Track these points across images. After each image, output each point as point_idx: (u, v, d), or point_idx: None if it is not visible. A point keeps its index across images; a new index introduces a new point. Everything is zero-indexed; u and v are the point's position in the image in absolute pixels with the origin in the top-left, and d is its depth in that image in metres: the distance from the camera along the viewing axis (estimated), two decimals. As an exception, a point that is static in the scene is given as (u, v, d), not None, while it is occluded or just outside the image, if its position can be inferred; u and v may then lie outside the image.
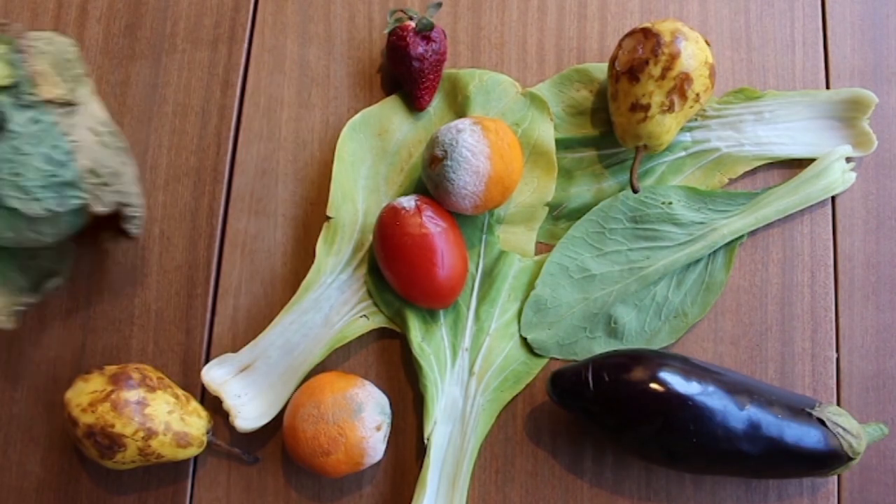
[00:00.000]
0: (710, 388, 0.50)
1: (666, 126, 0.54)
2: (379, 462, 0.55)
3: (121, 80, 0.62)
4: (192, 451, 0.53)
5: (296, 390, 0.55)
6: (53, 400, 0.57)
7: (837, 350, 0.57)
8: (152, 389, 0.52)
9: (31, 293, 0.54)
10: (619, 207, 0.57)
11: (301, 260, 0.58)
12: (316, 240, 0.57)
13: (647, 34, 0.54)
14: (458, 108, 0.59)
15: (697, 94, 0.54)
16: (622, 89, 0.55)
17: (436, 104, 0.60)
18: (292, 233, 0.59)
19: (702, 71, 0.54)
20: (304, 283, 0.56)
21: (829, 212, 0.59)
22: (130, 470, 0.56)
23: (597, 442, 0.55)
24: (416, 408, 0.56)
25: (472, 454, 0.54)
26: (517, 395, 0.56)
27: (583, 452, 0.55)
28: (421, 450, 0.55)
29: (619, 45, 0.55)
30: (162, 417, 0.51)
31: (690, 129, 0.59)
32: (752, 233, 0.58)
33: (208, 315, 0.58)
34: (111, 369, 0.53)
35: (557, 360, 0.57)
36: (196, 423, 0.53)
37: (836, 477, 0.55)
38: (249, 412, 0.54)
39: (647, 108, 0.54)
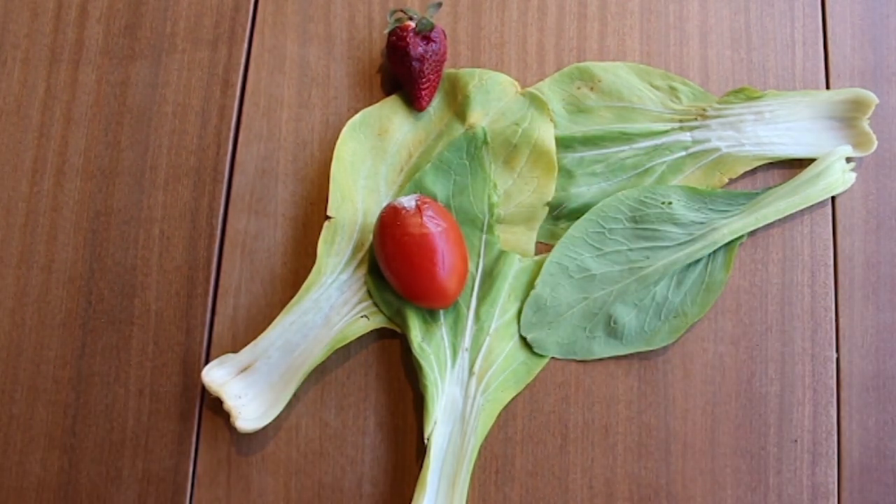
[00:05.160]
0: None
1: None
2: (379, 462, 0.55)
3: (121, 80, 0.62)
4: None
5: (297, 390, 0.55)
6: (54, 400, 0.57)
7: (837, 350, 0.57)
8: None
9: None
10: (619, 207, 0.57)
11: (301, 260, 0.58)
12: (316, 240, 0.57)
13: None
14: (458, 107, 0.59)
15: None
16: None
17: (436, 104, 0.60)
18: (292, 233, 0.59)
19: None
20: (305, 283, 0.56)
21: (829, 212, 0.59)
22: (130, 469, 0.56)
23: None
24: (416, 408, 0.56)
25: (472, 454, 0.54)
26: (517, 395, 0.56)
27: (583, 453, 0.55)
28: (421, 450, 0.55)
29: None
30: None
31: (691, 129, 0.59)
32: (752, 233, 0.58)
33: (208, 315, 0.58)
34: None
35: (557, 359, 0.57)
36: None
37: (836, 477, 0.55)
38: (250, 413, 0.54)
39: None
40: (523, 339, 0.57)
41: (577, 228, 0.57)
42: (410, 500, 0.53)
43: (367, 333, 0.57)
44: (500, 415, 0.56)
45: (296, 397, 0.56)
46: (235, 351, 0.56)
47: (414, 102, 0.59)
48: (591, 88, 0.60)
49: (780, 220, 0.58)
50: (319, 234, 0.58)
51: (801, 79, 0.61)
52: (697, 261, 0.57)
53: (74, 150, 0.61)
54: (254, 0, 0.63)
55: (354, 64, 0.62)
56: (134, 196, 0.60)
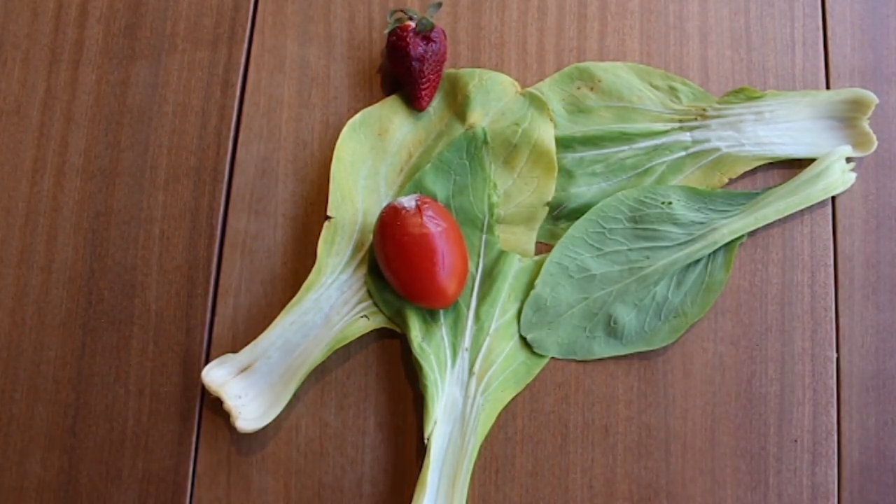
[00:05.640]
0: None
1: None
2: (379, 462, 0.55)
3: (121, 80, 0.62)
4: None
5: (297, 390, 0.55)
6: (54, 400, 0.57)
7: (837, 350, 0.57)
8: None
9: None
10: (619, 207, 0.57)
11: (301, 260, 0.58)
12: (316, 240, 0.57)
13: None
14: (458, 108, 0.59)
15: None
16: None
17: (436, 104, 0.60)
18: (292, 233, 0.59)
19: None
20: (305, 283, 0.56)
21: (829, 212, 0.59)
22: (130, 469, 0.56)
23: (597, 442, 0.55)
24: (416, 408, 0.56)
25: (472, 454, 0.54)
26: (517, 395, 0.56)
27: (583, 453, 0.55)
28: (421, 450, 0.55)
29: None
30: None
31: (691, 129, 0.59)
32: (752, 233, 0.58)
33: (208, 315, 0.58)
34: None
35: (557, 359, 0.57)
36: None
37: (836, 477, 0.55)
38: (250, 413, 0.54)
39: None
40: (523, 339, 0.57)
41: (577, 228, 0.57)
42: (410, 500, 0.53)
43: (367, 333, 0.57)
44: (500, 415, 0.56)
45: (296, 397, 0.56)
46: (235, 351, 0.56)
47: (414, 102, 0.59)
48: (591, 88, 0.60)
49: (780, 220, 0.58)
50: (319, 234, 0.58)
51: (801, 79, 0.61)
52: (697, 261, 0.57)
53: (74, 150, 0.61)
54: (254, 0, 0.63)
55: (354, 64, 0.62)
56: (134, 196, 0.60)
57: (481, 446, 0.55)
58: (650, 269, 0.56)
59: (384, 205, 0.56)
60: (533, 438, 0.56)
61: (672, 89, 0.60)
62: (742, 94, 0.59)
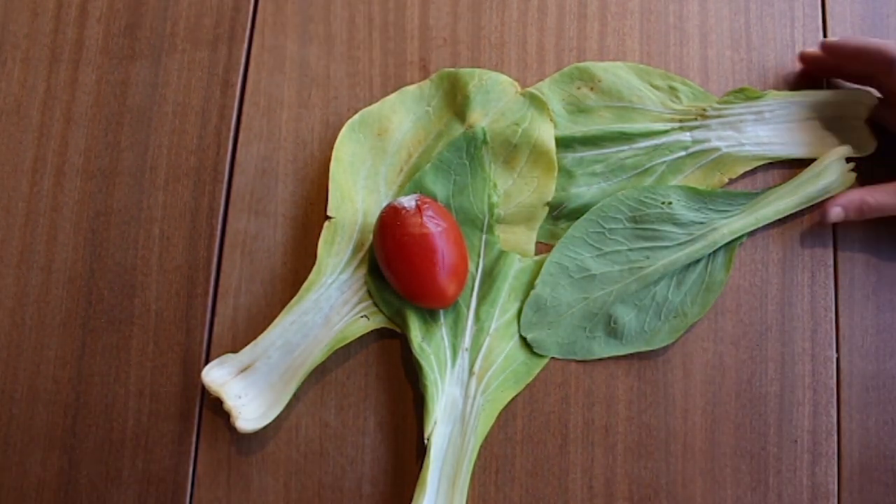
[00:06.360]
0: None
1: None
2: (379, 462, 0.55)
3: (121, 80, 0.62)
4: None
5: (297, 390, 0.55)
6: (54, 400, 0.57)
7: (837, 350, 0.57)
8: None
9: None
10: (619, 207, 0.57)
11: (301, 260, 0.58)
12: (316, 240, 0.57)
13: None
14: (458, 108, 0.59)
15: None
16: None
17: (436, 104, 0.60)
18: (292, 233, 0.59)
19: None
20: (305, 283, 0.56)
21: (829, 212, 0.59)
22: (130, 469, 0.56)
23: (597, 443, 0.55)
24: (416, 408, 0.56)
25: (472, 454, 0.54)
26: (517, 395, 0.56)
27: (583, 453, 0.55)
28: (421, 450, 0.55)
29: None
30: None
31: (691, 129, 0.59)
32: (752, 233, 0.58)
33: (208, 315, 0.58)
34: None
35: (557, 359, 0.57)
36: None
37: (836, 477, 0.55)
38: (250, 413, 0.54)
39: None
40: (523, 339, 0.57)
41: (577, 228, 0.57)
42: (410, 500, 0.53)
43: (367, 333, 0.57)
44: (500, 415, 0.56)
45: (296, 397, 0.56)
46: (235, 351, 0.56)
47: None
48: (591, 88, 0.60)
49: (780, 220, 0.58)
50: (319, 234, 0.58)
51: (801, 79, 0.61)
52: (697, 261, 0.57)
53: (74, 150, 0.61)
54: (254, 0, 0.63)
55: (354, 64, 0.62)
56: (134, 196, 0.60)
57: (481, 446, 0.55)
58: (650, 269, 0.56)
59: (384, 205, 0.56)
60: (533, 438, 0.56)
61: (672, 89, 0.60)
62: (742, 94, 0.59)
